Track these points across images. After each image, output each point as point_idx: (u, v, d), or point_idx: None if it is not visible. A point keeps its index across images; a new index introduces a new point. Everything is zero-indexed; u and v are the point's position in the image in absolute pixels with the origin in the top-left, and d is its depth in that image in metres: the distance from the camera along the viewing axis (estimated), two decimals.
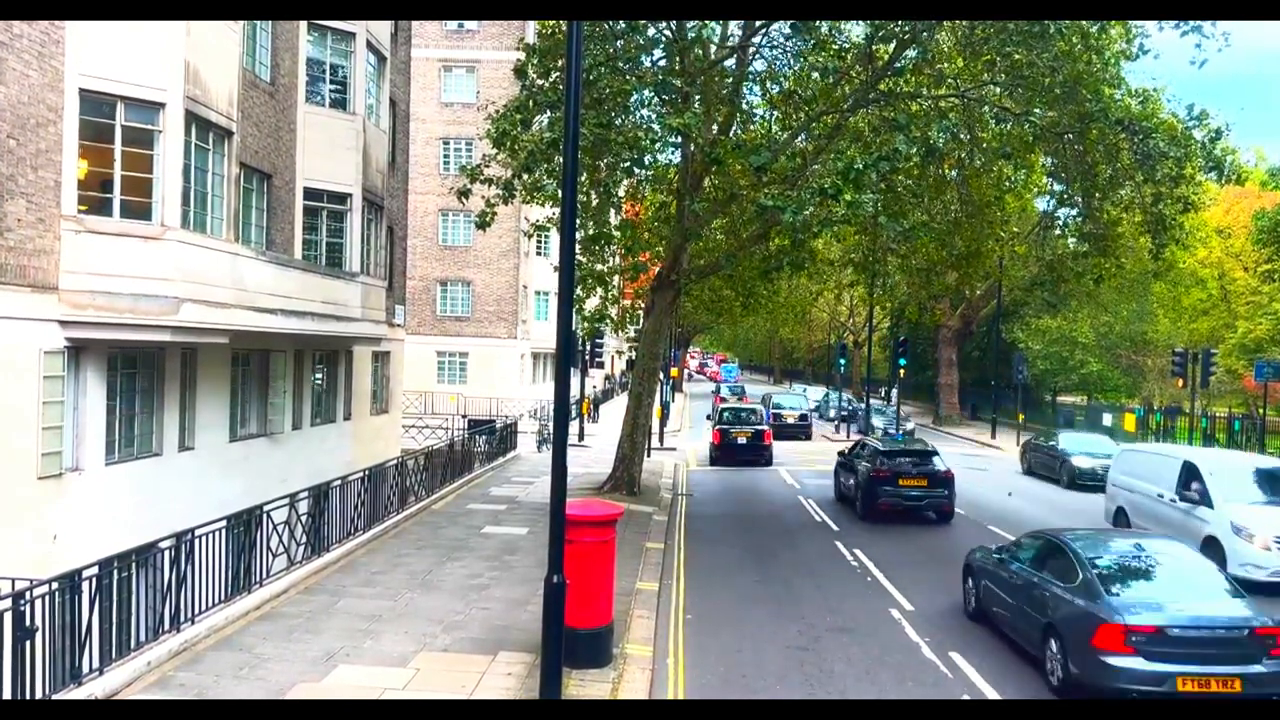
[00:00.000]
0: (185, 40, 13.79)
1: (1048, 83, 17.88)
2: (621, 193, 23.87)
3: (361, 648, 10.04)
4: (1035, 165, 25.68)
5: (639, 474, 21.92)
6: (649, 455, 26.52)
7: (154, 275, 13.27)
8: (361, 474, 16.04)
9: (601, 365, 45.32)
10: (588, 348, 34.67)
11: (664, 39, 18.62)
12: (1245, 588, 10.41)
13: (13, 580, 8.64)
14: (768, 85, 20.97)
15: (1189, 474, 15.85)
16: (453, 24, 41.87)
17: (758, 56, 20.66)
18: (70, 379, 12.95)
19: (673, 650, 10.76)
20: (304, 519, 13.84)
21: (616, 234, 20.96)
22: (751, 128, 22.28)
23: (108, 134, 13.19)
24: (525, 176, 18.93)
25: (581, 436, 33.46)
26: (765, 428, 30.87)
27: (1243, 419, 35.06)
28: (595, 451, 29.42)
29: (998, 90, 20.06)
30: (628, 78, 17.59)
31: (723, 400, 44.66)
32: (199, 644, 9.89)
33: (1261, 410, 33.25)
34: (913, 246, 23.20)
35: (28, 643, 7.61)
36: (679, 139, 19.40)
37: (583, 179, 18.67)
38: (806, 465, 29.49)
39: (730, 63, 20.53)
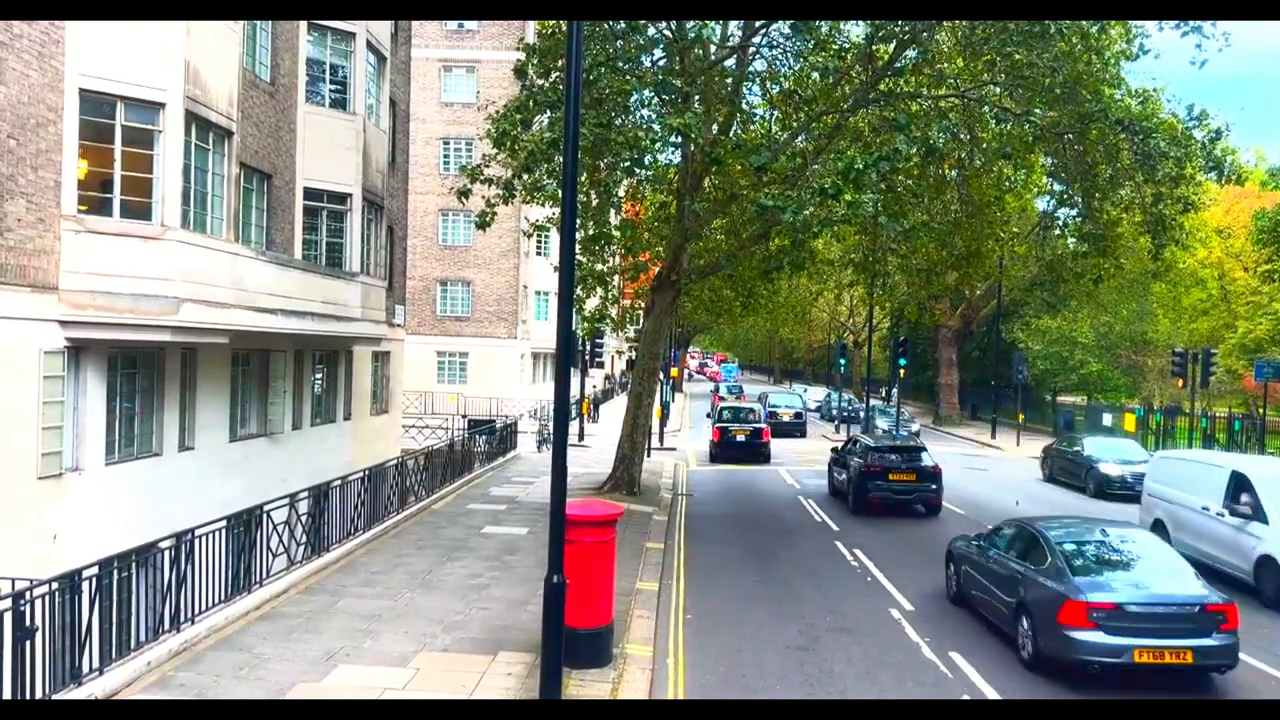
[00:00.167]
0: (185, 40, 13.79)
1: (1048, 83, 17.88)
2: (621, 193, 23.90)
3: (361, 648, 10.04)
4: (1035, 165, 25.67)
5: (639, 474, 21.93)
6: (649, 455, 26.52)
7: (154, 275, 13.27)
8: (361, 474, 16.04)
9: (601, 365, 45.35)
10: (588, 348, 34.67)
11: (664, 39, 18.62)
12: None
13: (13, 580, 8.63)
14: (768, 85, 20.99)
15: (1238, 485, 14.38)
16: (453, 24, 41.87)
17: (758, 56, 20.68)
18: (70, 379, 12.95)
19: (673, 650, 10.76)
20: (304, 519, 13.85)
21: (616, 234, 20.98)
22: (751, 128, 22.30)
23: (108, 134, 13.19)
24: (525, 176, 18.93)
25: (581, 436, 33.46)
26: (763, 426, 31.59)
27: (1243, 419, 35.04)
28: (595, 451, 29.43)
29: (998, 90, 20.06)
30: (628, 78, 17.60)
31: (721, 399, 45.47)
32: (199, 644, 9.89)
33: (1261, 410, 33.24)
34: (913, 246, 23.23)
35: (28, 643, 7.61)
36: (679, 139, 19.40)
37: (583, 179, 18.67)
38: (806, 465, 29.49)
39: (730, 63, 20.53)
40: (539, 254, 45.07)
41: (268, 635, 10.33)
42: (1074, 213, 25.83)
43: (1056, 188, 31.23)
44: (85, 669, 8.54)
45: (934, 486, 20.50)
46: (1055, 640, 9.92)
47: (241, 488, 16.15)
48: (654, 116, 18.82)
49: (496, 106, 20.23)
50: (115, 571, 9.87)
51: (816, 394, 59.96)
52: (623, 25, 17.62)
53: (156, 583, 10.76)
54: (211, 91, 14.66)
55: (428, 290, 42.77)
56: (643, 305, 25.81)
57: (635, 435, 21.81)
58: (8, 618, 7.45)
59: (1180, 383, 33.73)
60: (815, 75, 19.15)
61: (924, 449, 21.65)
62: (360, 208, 20.09)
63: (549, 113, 18.36)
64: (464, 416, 36.39)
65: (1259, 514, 13.88)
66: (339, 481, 15.59)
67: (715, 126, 20.41)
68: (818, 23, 17.79)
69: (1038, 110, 18.81)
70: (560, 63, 17.73)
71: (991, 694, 9.67)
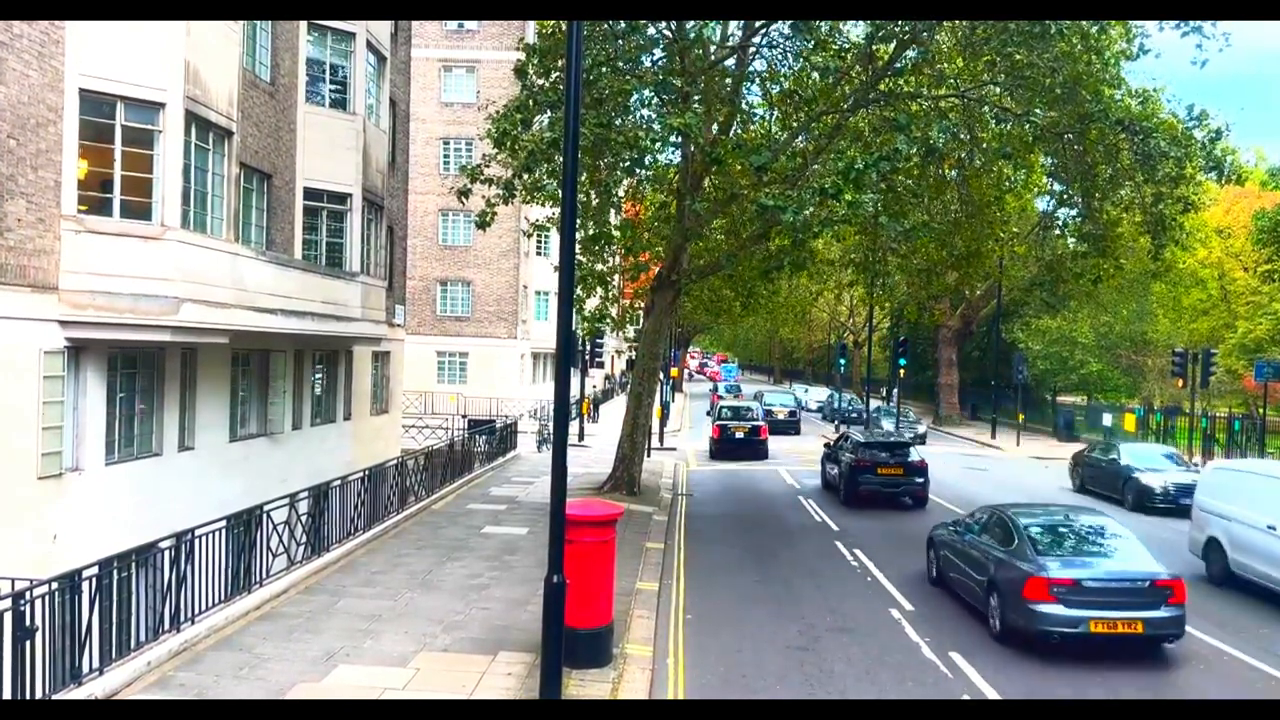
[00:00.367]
0: (185, 40, 13.79)
1: (1048, 83, 17.88)
2: (621, 193, 23.89)
3: (361, 648, 10.04)
4: (1035, 165, 25.68)
5: (639, 474, 21.93)
6: (649, 455, 26.53)
7: (154, 275, 13.27)
8: (361, 474, 16.04)
9: (601, 365, 45.35)
10: (588, 348, 34.67)
11: (664, 39, 18.61)
12: None
13: (13, 580, 8.63)
14: (768, 85, 20.99)
15: None
16: (453, 24, 41.87)
17: (758, 56, 20.68)
18: (70, 379, 12.95)
19: (673, 650, 10.76)
20: (304, 519, 13.85)
21: (616, 234, 20.97)
22: (751, 128, 22.30)
23: (108, 134, 13.18)
24: (525, 176, 18.93)
25: (581, 436, 33.46)
26: (762, 423, 32.33)
27: (1243, 419, 35.03)
28: (595, 451, 29.43)
29: (998, 90, 20.06)
30: (628, 78, 17.59)
31: (720, 398, 46.30)
32: (199, 644, 9.89)
33: (1261, 410, 33.24)
34: (913, 246, 23.24)
35: (28, 643, 7.61)
36: (679, 139, 19.39)
37: (583, 179, 18.68)
38: (806, 465, 29.47)
39: (730, 63, 20.52)
40: (539, 254, 45.07)
41: (268, 635, 10.33)
42: (1074, 213, 25.84)
43: (1056, 188, 31.25)
44: (85, 669, 8.54)
45: (920, 480, 21.60)
46: (1020, 613, 10.83)
47: (241, 488, 16.14)
48: (654, 116, 18.83)
49: (496, 106, 20.22)
50: (115, 571, 9.86)
51: (819, 394, 60.02)
52: (623, 25, 17.62)
53: (156, 583, 10.76)
54: (211, 91, 14.66)
55: (428, 290, 42.77)
56: (643, 305, 25.80)
57: (635, 435, 21.81)
58: (8, 618, 7.45)
59: (1180, 383, 33.74)
60: (815, 75, 19.14)
61: (911, 444, 22.68)
62: (360, 208, 20.09)
63: (549, 113, 18.35)
64: (464, 416, 36.39)
65: None
66: (339, 481, 15.59)
67: (715, 126, 20.41)
68: (818, 23, 17.79)
69: (1038, 110, 18.82)
70: (560, 63, 17.72)
71: (992, 694, 9.67)
